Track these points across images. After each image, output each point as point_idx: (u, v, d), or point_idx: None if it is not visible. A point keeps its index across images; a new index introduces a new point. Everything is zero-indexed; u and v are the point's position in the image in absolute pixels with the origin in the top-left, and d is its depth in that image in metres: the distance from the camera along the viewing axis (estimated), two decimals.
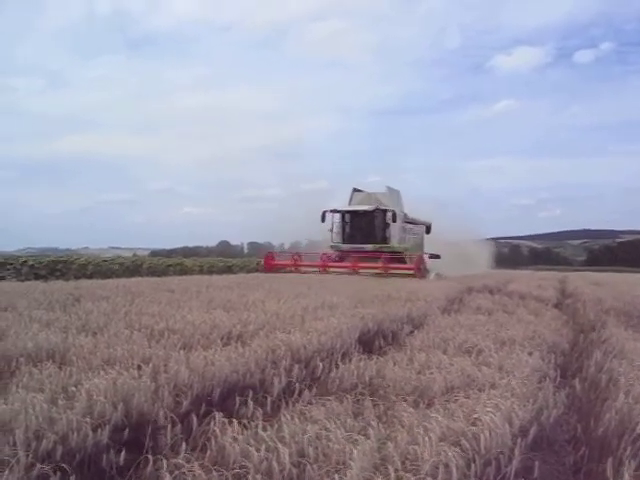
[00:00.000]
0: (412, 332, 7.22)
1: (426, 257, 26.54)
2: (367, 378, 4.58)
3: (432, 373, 4.55)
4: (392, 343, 6.58)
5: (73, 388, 3.78)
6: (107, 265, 21.36)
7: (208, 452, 2.93)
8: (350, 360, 5.15)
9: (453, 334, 6.51)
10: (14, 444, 2.92)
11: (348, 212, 24.73)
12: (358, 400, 3.93)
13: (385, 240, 23.69)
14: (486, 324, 7.54)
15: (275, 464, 2.69)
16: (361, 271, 20.79)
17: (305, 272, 21.14)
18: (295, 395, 4.12)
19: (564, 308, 12.36)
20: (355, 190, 25.72)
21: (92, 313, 7.20)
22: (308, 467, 2.70)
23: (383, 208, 23.72)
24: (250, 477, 2.60)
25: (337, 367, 4.88)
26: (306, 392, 4.11)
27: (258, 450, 2.80)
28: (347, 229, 24.71)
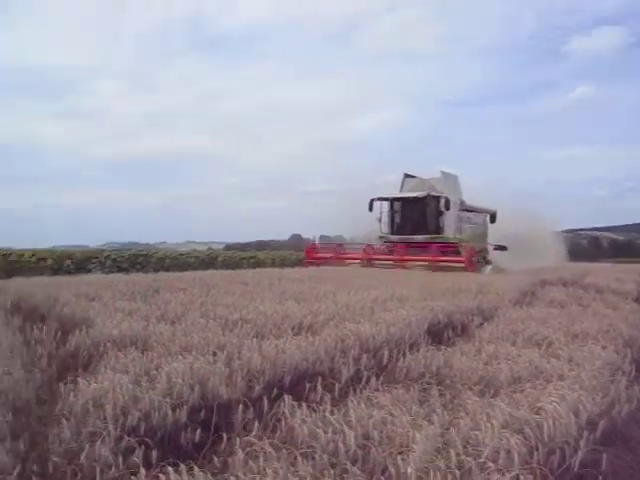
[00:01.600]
0: (482, 324, 7.17)
1: (490, 248, 24.88)
2: (434, 368, 4.64)
3: (499, 364, 4.56)
4: (461, 335, 6.57)
5: (154, 371, 4.07)
6: (184, 258, 22.24)
7: (278, 432, 3.10)
8: (418, 350, 5.22)
9: (523, 326, 6.44)
10: (104, 418, 3.21)
11: (397, 199, 22.64)
12: (425, 389, 4.00)
13: (438, 230, 21.49)
14: (558, 317, 7.39)
15: (341, 445, 2.82)
16: (409, 264, 19.31)
17: (350, 264, 20.17)
18: (363, 382, 4.24)
19: None
20: (407, 175, 23.53)
21: (170, 303, 7.59)
22: (372, 449, 2.81)
23: (435, 194, 21.45)
24: (317, 456, 2.74)
25: (405, 357, 4.96)
26: (373, 380, 4.22)
27: (325, 432, 2.94)
28: (396, 218, 22.71)
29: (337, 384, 4.04)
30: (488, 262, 23.14)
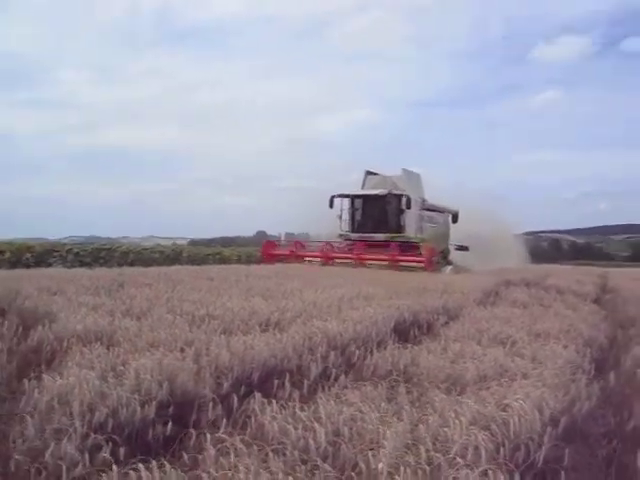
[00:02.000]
0: (447, 323, 7.28)
1: (452, 248, 24.93)
2: (401, 366, 4.69)
3: (465, 362, 4.64)
4: (427, 333, 6.66)
5: (121, 367, 4.02)
6: (148, 253, 21.95)
7: (248, 429, 3.10)
8: (385, 348, 5.27)
9: (488, 326, 6.56)
10: (70, 415, 3.15)
11: (357, 197, 21.98)
12: (392, 386, 4.04)
13: (399, 229, 20.97)
14: (521, 317, 7.55)
15: (312, 442, 2.83)
16: (369, 263, 18.68)
17: (309, 262, 19.60)
18: (331, 380, 4.27)
19: (603, 303, 12.19)
20: (368, 173, 22.91)
21: (135, 298, 7.49)
22: (343, 445, 2.83)
23: (397, 192, 20.88)
24: (288, 453, 2.75)
25: (372, 354, 5.01)
26: (342, 377, 4.26)
27: (296, 428, 2.95)
28: (357, 216, 22.07)
29: (306, 381, 4.06)
30: (449, 262, 23.18)
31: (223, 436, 2.84)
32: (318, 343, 5.13)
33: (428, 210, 23.24)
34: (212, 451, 2.67)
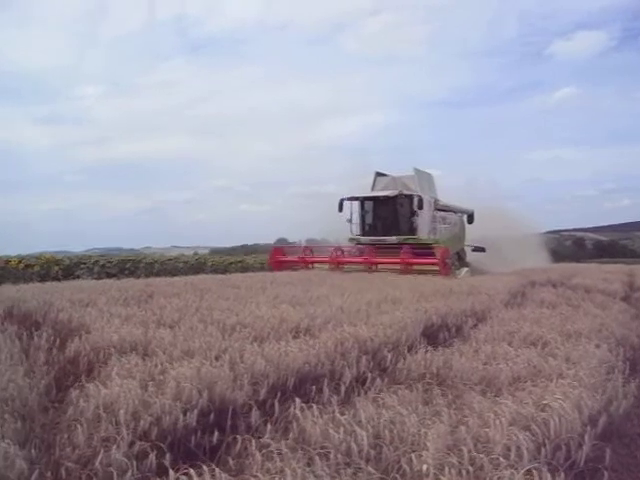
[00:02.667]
0: (476, 325, 7.27)
1: (468, 250, 24.29)
2: (434, 369, 4.72)
3: (498, 364, 4.65)
4: (456, 336, 6.66)
5: (160, 376, 4.10)
6: (172, 263, 22.15)
7: (290, 434, 3.15)
8: (416, 352, 5.29)
9: (518, 327, 6.56)
10: (116, 423, 3.24)
11: (367, 199, 21.11)
12: (426, 389, 4.08)
13: (411, 231, 20.04)
14: (550, 317, 7.52)
15: (354, 445, 2.88)
16: (380, 267, 18.14)
17: (319, 269, 18.75)
18: (366, 384, 4.31)
19: (633, 302, 12.04)
20: (378, 174, 22.02)
21: (165, 308, 7.60)
22: (385, 448, 2.88)
23: (407, 193, 20.08)
24: (332, 456, 2.79)
25: (404, 358, 5.04)
26: (377, 381, 4.29)
27: (337, 432, 3.00)
28: (367, 219, 21.28)
29: (343, 386, 4.10)
30: (464, 264, 22.51)
31: (268, 441, 2.90)
32: (350, 348, 5.17)
33: (441, 211, 22.37)
34: (258, 456, 2.72)
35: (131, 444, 3.08)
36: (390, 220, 20.55)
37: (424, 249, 18.45)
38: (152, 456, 3.01)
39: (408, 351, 5.43)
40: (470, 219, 25.22)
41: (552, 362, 4.68)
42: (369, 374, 4.55)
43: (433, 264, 17.42)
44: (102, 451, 2.96)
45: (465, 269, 20.48)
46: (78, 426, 3.19)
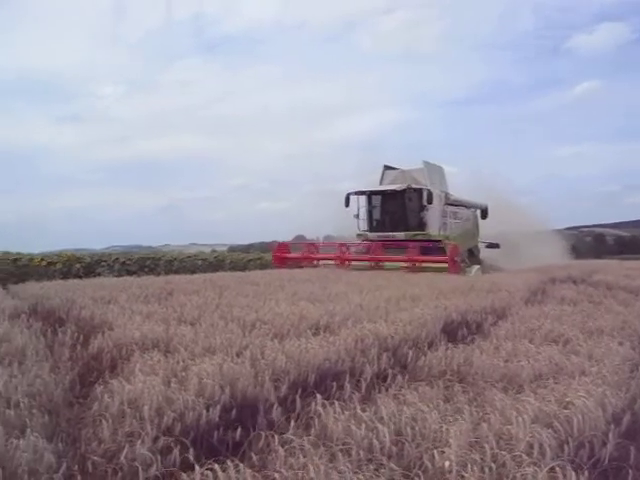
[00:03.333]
0: (496, 322, 7.23)
1: (482, 246, 23.47)
2: (455, 366, 4.72)
3: (520, 361, 4.63)
4: (476, 333, 6.64)
5: (182, 373, 4.15)
6: (191, 261, 22.31)
7: (312, 430, 3.17)
8: (437, 349, 5.29)
9: (538, 324, 6.52)
10: (141, 418, 3.29)
11: (374, 193, 20.36)
12: (447, 386, 4.08)
13: (421, 226, 19.28)
14: (572, 314, 7.45)
15: (376, 441, 2.90)
16: (387, 264, 17.36)
17: (324, 266, 17.94)
18: (388, 381, 4.32)
19: None
20: (386, 167, 21.20)
21: (186, 306, 7.67)
22: (407, 445, 2.89)
23: (416, 187, 19.28)
24: (354, 452, 2.81)
25: (425, 355, 5.04)
26: (399, 377, 4.30)
27: (359, 428, 3.02)
28: (374, 214, 20.52)
29: (364, 382, 4.11)
30: (477, 261, 21.67)
31: (290, 437, 2.93)
32: (370, 345, 5.19)
33: (453, 205, 21.47)
34: (281, 452, 2.75)
35: (155, 439, 3.13)
36: (398, 215, 19.82)
37: (434, 245, 17.78)
38: (176, 451, 3.05)
39: (428, 348, 5.43)
40: (484, 214, 24.33)
41: (574, 359, 4.65)
42: (390, 371, 4.56)
43: (442, 262, 16.56)
44: (127, 446, 3.01)
45: (476, 267, 19.30)
46: (103, 421, 3.25)
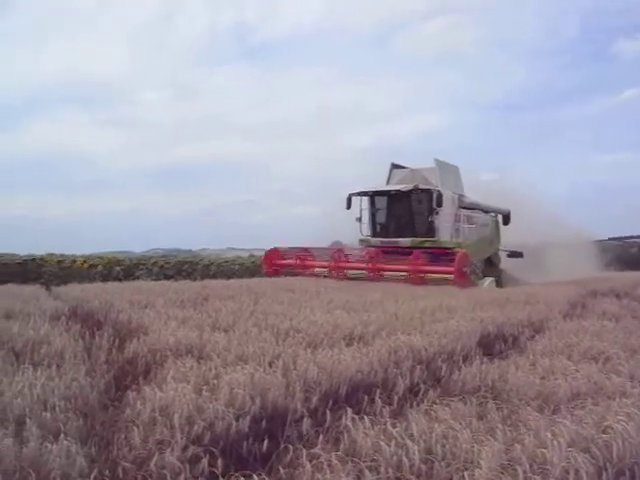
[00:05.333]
0: (533, 336, 7.07)
1: (503, 255, 21.60)
2: (489, 381, 4.62)
3: (557, 379, 4.50)
4: (512, 347, 6.50)
5: (214, 381, 4.17)
6: (228, 265, 22.56)
7: (341, 445, 3.14)
8: (471, 363, 5.19)
9: (577, 340, 6.32)
10: (171, 427, 3.31)
11: (378, 194, 18.33)
12: (481, 403, 3.99)
13: (430, 231, 17.17)
14: (613, 330, 7.20)
15: (405, 459, 2.85)
16: (387, 274, 15.53)
17: (318, 275, 16.51)
18: (419, 395, 4.26)
19: None
20: (394, 166, 19.15)
21: (221, 312, 7.73)
22: (436, 464, 2.83)
23: (425, 187, 17.24)
24: (382, 469, 2.77)
25: (459, 369, 4.95)
26: (430, 392, 4.24)
27: (388, 445, 2.97)
28: (378, 218, 18.54)
29: (395, 397, 4.06)
30: (496, 272, 19.92)
31: (318, 452, 2.91)
32: (403, 357, 5.12)
33: (468, 209, 19.37)
34: (309, 467, 2.73)
35: (184, 448, 3.14)
36: (405, 219, 17.86)
37: (443, 253, 15.70)
38: (205, 461, 3.06)
39: (463, 362, 5.34)
40: (506, 220, 22.28)
41: (615, 379, 4.48)
42: (422, 385, 4.50)
43: (448, 273, 14.70)
44: (157, 453, 3.04)
45: (489, 279, 17.12)
46: (135, 428, 3.28)
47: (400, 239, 17.34)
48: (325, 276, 16.13)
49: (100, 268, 18.17)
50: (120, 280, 15.73)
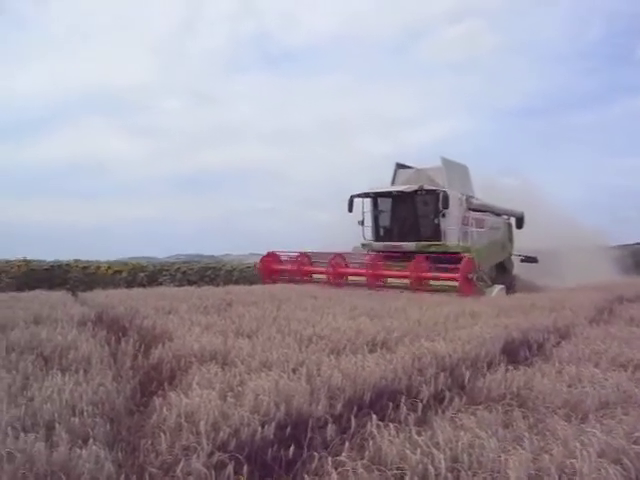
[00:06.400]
0: (559, 343, 6.98)
1: (517, 260, 20.61)
2: (515, 389, 4.57)
3: (584, 387, 4.44)
4: (538, 354, 6.43)
5: (239, 387, 4.19)
6: (251, 271, 22.61)
7: (366, 452, 3.14)
8: (496, 370, 5.15)
9: (605, 346, 6.22)
10: (197, 433, 3.34)
11: (380, 195, 17.38)
12: (506, 411, 3.95)
13: (435, 235, 16.22)
14: None
15: (431, 468, 2.83)
16: (390, 281, 14.69)
17: (317, 282, 15.61)
18: (445, 402, 4.23)
19: None
20: (399, 166, 18.25)
21: (244, 317, 7.77)
22: (463, 473, 2.81)
23: (430, 188, 16.25)
24: (407, 478, 2.76)
25: (484, 377, 4.91)
26: (455, 400, 4.21)
27: (414, 453, 2.96)
28: (381, 221, 17.61)
29: (420, 404, 4.04)
30: (509, 278, 18.88)
31: (344, 459, 2.90)
32: (427, 364, 5.09)
33: (477, 211, 18.15)
34: (334, 475, 2.73)
35: (210, 454, 3.16)
36: (409, 222, 16.91)
37: (450, 258, 14.49)
38: (230, 467, 3.08)
39: (487, 369, 5.29)
40: (519, 223, 21.08)
41: None
42: (447, 392, 4.47)
43: (452, 280, 13.69)
44: (183, 459, 3.06)
45: (498, 287, 15.39)
46: (161, 434, 3.32)
47: (404, 243, 16.46)
48: (327, 282, 15.33)
49: (124, 274, 18.42)
50: (144, 286, 15.93)
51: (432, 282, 14.03)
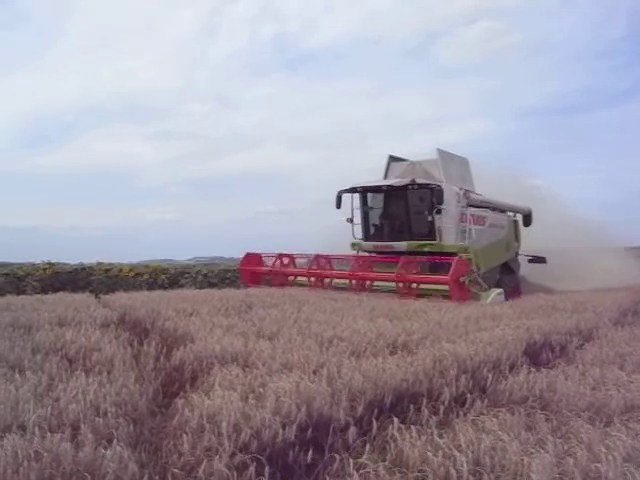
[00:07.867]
0: (582, 345, 6.90)
1: (524, 260, 19.10)
2: (537, 391, 4.52)
3: (608, 390, 4.38)
4: (560, 356, 6.36)
5: (260, 389, 4.21)
6: None
7: (388, 455, 3.13)
8: (518, 372, 5.10)
9: (630, 349, 6.15)
10: (219, 434, 3.36)
11: (369, 190, 15.82)
12: (529, 414, 3.91)
13: (429, 234, 14.54)
14: None
15: (453, 470, 2.82)
16: (378, 285, 13.43)
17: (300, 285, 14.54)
18: (466, 405, 4.20)
19: None
20: (392, 158, 16.60)
21: (265, 320, 7.79)
22: (485, 476, 2.79)
23: (423, 182, 14.54)
24: None
25: (506, 379, 4.87)
26: (477, 403, 4.18)
27: (436, 456, 2.95)
28: (371, 218, 15.97)
29: (441, 406, 4.02)
30: (514, 280, 17.49)
31: (365, 461, 2.90)
32: (448, 366, 5.07)
33: (478, 207, 16.46)
34: (356, 477, 2.73)
35: (232, 455, 3.18)
36: (400, 219, 15.24)
37: (446, 260, 13.03)
38: (252, 468, 3.10)
39: (509, 371, 5.24)
40: (527, 220, 19.49)
41: None
42: (468, 395, 4.44)
43: (442, 283, 12.37)
44: (205, 460, 3.09)
45: (496, 291, 13.21)
46: (183, 435, 3.34)
47: (395, 243, 14.88)
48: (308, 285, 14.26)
49: (146, 277, 18.59)
50: (165, 288, 16.02)
51: (422, 286, 12.79)
